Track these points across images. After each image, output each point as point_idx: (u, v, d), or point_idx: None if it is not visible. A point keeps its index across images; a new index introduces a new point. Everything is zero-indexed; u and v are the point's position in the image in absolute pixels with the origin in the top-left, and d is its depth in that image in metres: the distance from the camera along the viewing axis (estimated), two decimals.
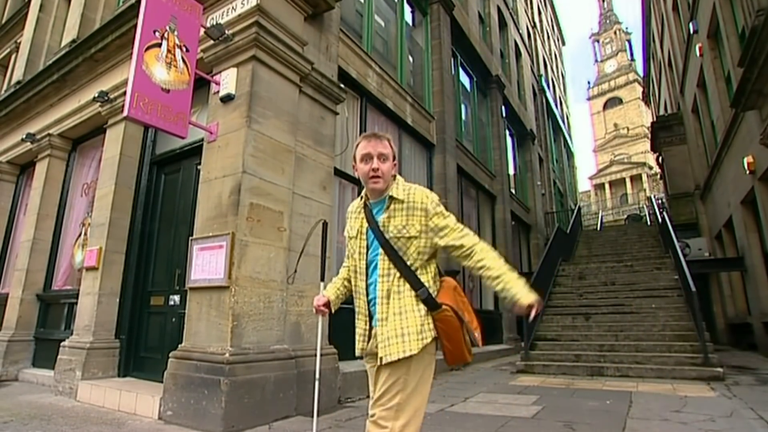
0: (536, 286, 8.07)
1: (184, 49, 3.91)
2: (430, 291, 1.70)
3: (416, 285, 1.69)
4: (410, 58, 8.75)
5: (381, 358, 1.63)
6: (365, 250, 1.78)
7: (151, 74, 3.64)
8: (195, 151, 4.80)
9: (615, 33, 65.43)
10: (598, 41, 67.42)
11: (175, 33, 3.85)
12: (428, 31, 9.00)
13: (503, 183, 11.89)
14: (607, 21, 67.13)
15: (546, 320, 8.29)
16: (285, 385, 3.83)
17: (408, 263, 1.70)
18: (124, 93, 3.70)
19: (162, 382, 3.82)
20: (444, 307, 1.68)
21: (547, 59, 23.55)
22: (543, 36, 23.77)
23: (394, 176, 1.82)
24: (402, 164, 7.31)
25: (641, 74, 29.40)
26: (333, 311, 1.96)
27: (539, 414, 4.00)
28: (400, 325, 1.65)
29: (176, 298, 4.68)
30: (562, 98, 28.17)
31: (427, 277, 1.73)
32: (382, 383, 1.64)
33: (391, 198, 1.75)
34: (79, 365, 4.65)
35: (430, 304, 1.68)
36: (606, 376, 6.26)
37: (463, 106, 10.83)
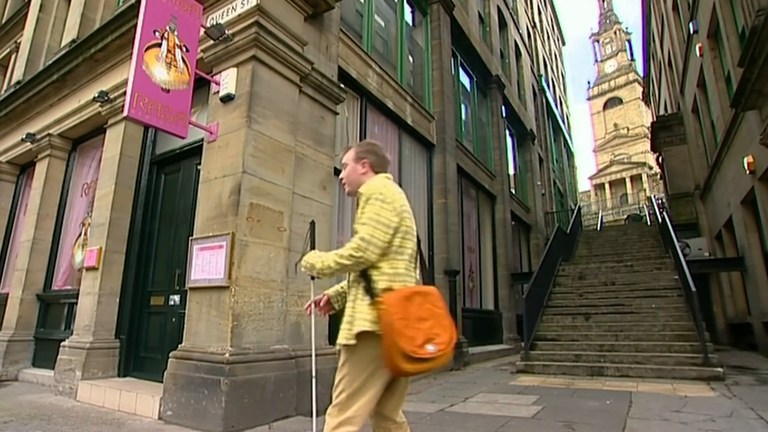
0: (536, 285, 8.14)
1: (184, 49, 3.91)
2: (380, 284, 1.66)
3: (361, 273, 1.69)
4: (410, 58, 8.75)
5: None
6: None
7: (151, 74, 3.64)
8: (195, 151, 4.80)
9: (615, 33, 65.39)
10: (598, 41, 67.38)
11: (175, 33, 3.85)
12: (428, 31, 8.99)
13: (503, 183, 11.88)
14: (607, 21, 67.10)
15: (546, 320, 8.29)
16: (285, 385, 3.83)
17: None
18: (124, 93, 3.70)
19: (162, 382, 3.82)
20: (379, 299, 1.62)
21: (547, 59, 23.54)
22: (543, 36, 23.76)
23: (367, 173, 1.90)
24: (402, 164, 7.29)
25: (641, 74, 29.41)
26: (337, 309, 1.95)
27: (539, 414, 4.00)
28: (351, 312, 1.67)
29: (176, 298, 4.68)
30: (562, 98, 28.16)
31: (378, 271, 1.69)
32: (336, 376, 1.67)
33: (359, 193, 1.82)
34: (79, 365, 4.65)
35: (370, 293, 1.65)
36: (606, 376, 6.26)
37: (463, 106, 10.83)
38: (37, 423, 3.61)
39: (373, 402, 1.66)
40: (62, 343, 4.99)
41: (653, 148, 17.10)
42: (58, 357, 4.92)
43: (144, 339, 4.98)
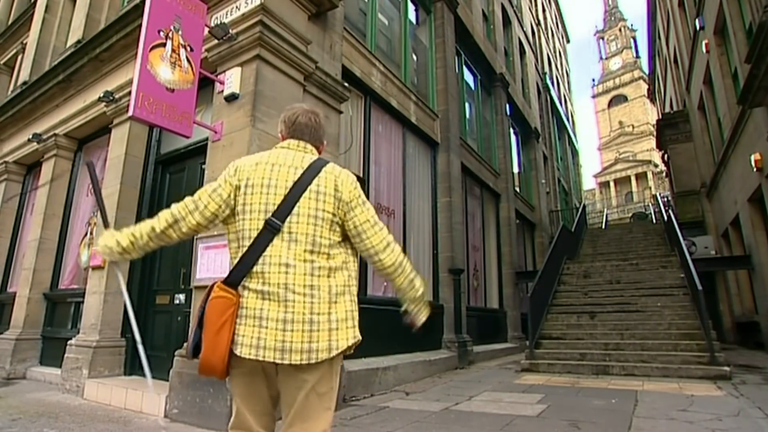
0: (541, 284, 8.10)
1: (189, 48, 3.92)
2: None
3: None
4: (414, 57, 8.73)
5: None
6: None
7: (156, 74, 3.66)
8: (200, 150, 4.81)
9: (620, 30, 65.01)
10: (602, 38, 67.03)
11: (180, 33, 3.86)
12: (432, 29, 8.97)
13: (507, 181, 11.85)
14: (612, 18, 66.71)
15: (551, 319, 8.26)
16: None
17: None
18: (129, 93, 3.71)
19: (168, 380, 3.83)
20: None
21: (551, 57, 23.44)
22: (547, 33, 23.66)
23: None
24: (406, 162, 7.28)
25: (646, 71, 29.25)
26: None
27: (544, 413, 3.99)
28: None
29: (181, 296, 4.70)
30: (567, 96, 28.04)
31: None
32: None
33: None
34: (85, 363, 4.68)
35: None
36: (611, 375, 6.23)
37: (467, 105, 10.80)
38: (44, 420, 3.64)
39: None
40: (69, 342, 5.02)
41: (659, 146, 17.01)
42: (65, 355, 4.96)
43: (150, 338, 5.00)
